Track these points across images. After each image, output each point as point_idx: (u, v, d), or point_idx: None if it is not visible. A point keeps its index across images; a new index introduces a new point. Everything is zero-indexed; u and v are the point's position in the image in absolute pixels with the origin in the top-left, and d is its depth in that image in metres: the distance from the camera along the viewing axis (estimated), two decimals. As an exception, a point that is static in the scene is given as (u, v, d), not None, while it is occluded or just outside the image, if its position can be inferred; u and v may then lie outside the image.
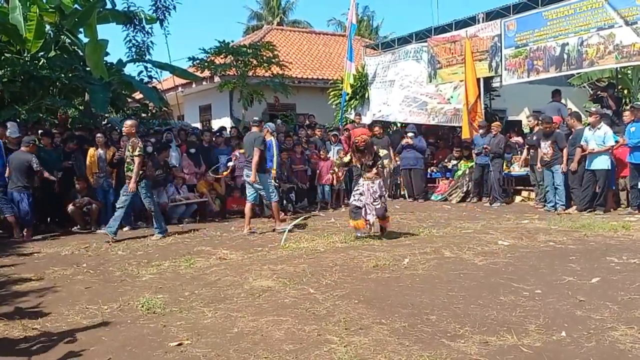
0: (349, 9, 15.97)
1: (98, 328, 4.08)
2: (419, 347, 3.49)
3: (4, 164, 8.78)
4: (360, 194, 7.46)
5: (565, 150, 9.73)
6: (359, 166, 7.71)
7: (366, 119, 14.76)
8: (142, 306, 4.62)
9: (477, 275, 5.33)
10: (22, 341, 3.85)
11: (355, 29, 16.92)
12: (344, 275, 5.53)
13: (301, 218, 9.44)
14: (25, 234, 8.79)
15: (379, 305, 4.42)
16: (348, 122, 14.55)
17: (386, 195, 7.93)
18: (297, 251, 6.91)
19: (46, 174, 8.97)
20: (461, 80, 12.59)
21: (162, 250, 7.45)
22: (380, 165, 7.65)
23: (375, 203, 7.36)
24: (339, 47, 22.65)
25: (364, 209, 7.40)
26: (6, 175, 8.72)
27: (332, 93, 16.91)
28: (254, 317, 4.22)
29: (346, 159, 7.98)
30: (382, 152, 6.86)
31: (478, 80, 12.36)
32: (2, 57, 11.77)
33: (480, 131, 11.64)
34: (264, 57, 15.57)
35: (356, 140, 7.51)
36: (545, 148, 9.96)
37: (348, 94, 15.58)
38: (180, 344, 3.68)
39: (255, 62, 15.60)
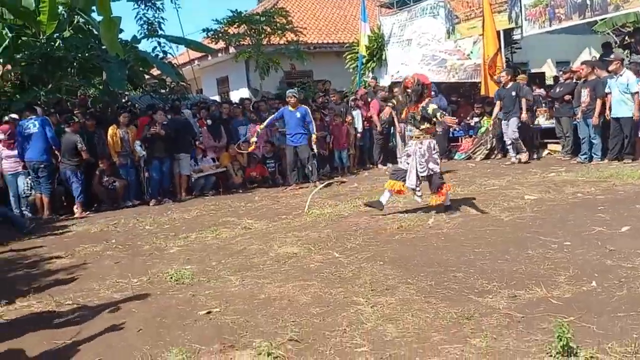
0: (360, -32, 15.59)
1: (129, 301, 4.16)
2: (446, 304, 3.47)
3: (47, 143, 9.05)
4: (408, 155, 6.39)
5: (598, 101, 9.35)
6: (408, 121, 6.52)
7: (384, 81, 14.52)
8: (171, 278, 4.69)
9: (503, 231, 5.26)
10: (56, 316, 3.96)
11: (369, -12, 16.54)
12: (368, 238, 5.52)
13: (323, 185, 9.43)
14: (77, 210, 9.08)
15: (404, 266, 4.41)
16: (365, 85, 14.36)
17: (438, 160, 6.43)
18: (320, 217, 6.92)
19: (87, 155, 9.21)
20: (480, 35, 12.25)
21: (188, 223, 7.54)
22: (433, 121, 6.23)
23: (420, 168, 6.24)
24: (353, 9, 22.19)
25: (408, 172, 6.33)
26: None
27: (348, 57, 16.66)
28: (280, 283, 4.25)
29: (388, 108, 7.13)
30: (431, 108, 6.10)
31: (498, 33, 12.00)
32: (19, 41, 11.82)
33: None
34: (278, 24, 15.36)
35: (405, 81, 6.44)
36: (584, 96, 9.59)
37: (365, 56, 15.32)
38: (209, 312, 3.73)
39: (269, 29, 15.39)
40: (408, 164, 6.32)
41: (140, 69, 13.97)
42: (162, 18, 14.51)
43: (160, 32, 14.48)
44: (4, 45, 11.25)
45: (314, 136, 9.93)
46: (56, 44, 11.68)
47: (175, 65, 15.29)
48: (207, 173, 10.59)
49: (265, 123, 10.00)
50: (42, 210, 9.08)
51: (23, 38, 11.88)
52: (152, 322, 3.64)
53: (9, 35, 11.49)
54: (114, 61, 12.07)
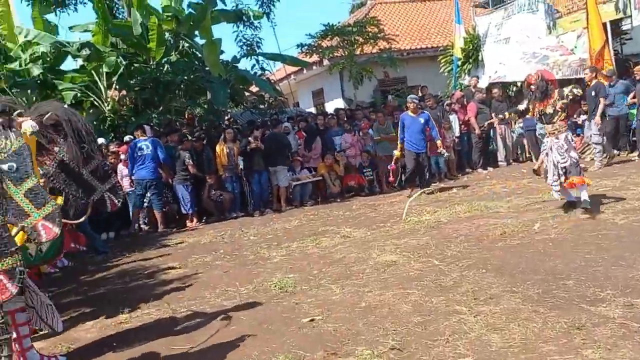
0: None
1: (237, 309, 4.39)
2: (556, 313, 3.33)
3: (158, 162, 9.77)
4: (546, 154, 6.13)
5: None
6: (539, 118, 6.39)
7: (482, 82, 14.10)
8: (275, 286, 4.88)
9: (617, 235, 4.93)
10: (173, 324, 4.26)
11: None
12: (469, 245, 5.40)
13: (422, 191, 9.32)
14: (191, 223, 9.77)
15: (508, 273, 4.27)
16: (461, 88, 14.02)
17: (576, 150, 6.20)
18: (419, 224, 6.86)
19: (194, 169, 9.89)
20: (584, 28, 11.54)
21: (289, 233, 7.78)
22: (562, 104, 6.05)
23: (562, 159, 5.93)
24: (445, 13, 21.75)
25: (551, 170, 6.04)
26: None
27: (443, 60, 16.36)
28: (380, 291, 4.29)
29: (521, 107, 6.77)
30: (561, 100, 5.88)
31: (604, 24, 11.24)
32: (132, 68, 12.90)
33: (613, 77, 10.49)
34: (370, 34, 15.45)
35: (528, 78, 6.34)
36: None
37: (460, 58, 14.97)
38: (312, 320, 3.85)
39: (361, 39, 15.53)
40: (550, 163, 6.04)
41: (241, 86, 14.70)
42: (259, 38, 15.13)
43: (258, 50, 15.11)
44: (119, 72, 12.33)
45: (439, 142, 9.83)
46: (164, 69, 12.59)
47: (272, 81, 15.90)
48: (304, 181, 10.88)
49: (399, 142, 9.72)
50: (157, 224, 9.78)
51: (135, 65, 12.95)
52: (259, 329, 3.82)
53: (123, 63, 12.58)
54: (216, 81, 12.81)
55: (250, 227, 8.68)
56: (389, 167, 10.24)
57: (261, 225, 8.71)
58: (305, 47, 15.66)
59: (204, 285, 5.36)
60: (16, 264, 2.68)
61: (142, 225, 9.90)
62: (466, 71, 15.04)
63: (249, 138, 10.28)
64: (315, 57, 16.46)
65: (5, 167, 2.77)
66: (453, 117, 11.94)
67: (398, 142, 9.73)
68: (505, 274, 4.25)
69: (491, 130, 11.82)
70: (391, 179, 10.40)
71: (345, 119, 12.41)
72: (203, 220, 10.08)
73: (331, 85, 19.58)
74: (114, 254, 7.87)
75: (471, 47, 14.92)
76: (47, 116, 3.11)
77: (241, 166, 10.25)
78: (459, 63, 15.04)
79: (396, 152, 9.83)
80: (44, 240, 2.90)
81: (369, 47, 15.91)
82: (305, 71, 19.05)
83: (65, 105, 3.84)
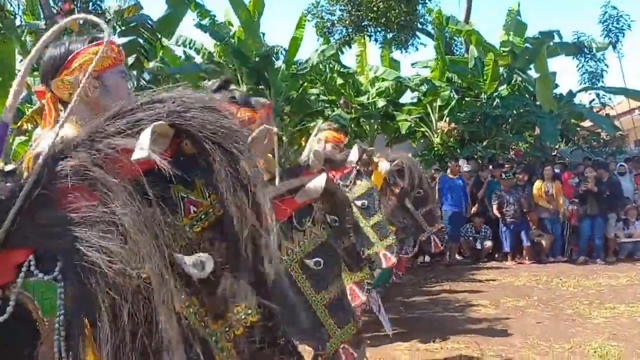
0: None
1: (549, 366, 4.22)
2: None
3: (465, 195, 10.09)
4: None
5: None
6: None
7: None
8: (595, 352, 4.50)
9: None
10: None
11: None
12: None
13: None
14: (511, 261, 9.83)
15: None
16: None
17: None
18: None
19: (495, 209, 9.91)
20: None
21: (616, 292, 6.99)
22: None
23: None
24: None
25: None
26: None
27: None
28: None
29: None
30: None
31: None
32: (463, 101, 13.47)
33: None
34: None
35: None
36: None
37: None
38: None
39: None
40: None
41: (572, 121, 13.84)
42: (603, 69, 14.00)
43: (599, 84, 14.00)
44: (450, 105, 13.04)
45: None
46: (494, 103, 12.76)
47: (612, 115, 14.48)
48: (637, 239, 9.57)
49: None
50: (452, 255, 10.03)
51: (467, 99, 13.50)
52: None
53: (455, 97, 13.26)
54: (547, 116, 12.38)
55: (570, 276, 8.10)
56: None
57: (582, 277, 8.03)
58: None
59: (514, 331, 5.28)
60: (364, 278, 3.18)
61: (457, 256, 10.25)
62: None
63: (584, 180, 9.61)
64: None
65: (359, 203, 3.34)
66: None
67: None
68: None
69: None
70: None
71: None
72: (516, 260, 9.82)
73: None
74: (428, 280, 8.37)
75: None
76: (395, 162, 3.65)
77: (567, 207, 9.67)
78: None
79: None
80: (383, 267, 3.39)
81: None
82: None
83: (409, 155, 4.38)
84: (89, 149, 0.98)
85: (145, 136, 0.95)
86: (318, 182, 1.60)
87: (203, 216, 1.03)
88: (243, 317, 1.00)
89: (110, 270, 0.90)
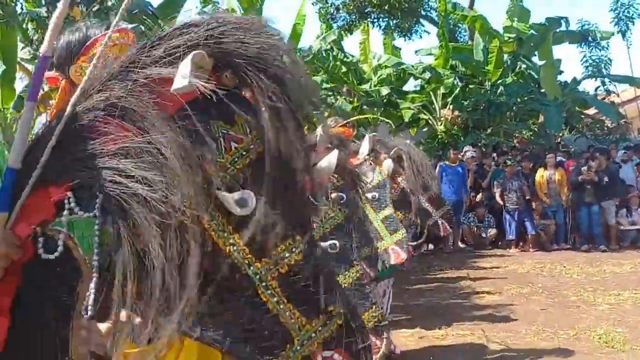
0: None
1: (554, 353, 4.23)
2: None
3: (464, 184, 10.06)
4: None
5: None
6: None
7: None
8: (600, 338, 4.53)
9: None
10: (485, 352, 4.37)
11: None
12: None
13: None
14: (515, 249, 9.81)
15: None
16: None
17: None
18: None
19: (499, 197, 9.89)
20: None
21: (620, 278, 7.00)
22: None
23: None
24: None
25: None
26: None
27: None
28: None
29: None
30: None
31: None
32: (467, 89, 13.38)
33: None
34: None
35: None
36: None
37: None
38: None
39: None
40: None
41: (577, 109, 13.76)
42: (609, 58, 13.91)
43: (605, 72, 13.91)
44: (454, 93, 12.96)
45: None
46: (499, 90, 12.67)
47: (617, 103, 14.41)
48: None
49: None
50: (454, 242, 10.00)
51: (470, 86, 13.41)
52: (577, 383, 3.63)
53: (459, 84, 13.17)
54: (551, 104, 12.30)
55: (574, 263, 8.11)
56: None
57: (586, 264, 8.05)
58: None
59: (519, 318, 5.30)
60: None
61: (460, 244, 10.25)
62: None
63: (583, 168, 9.55)
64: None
65: (369, 195, 3.32)
66: None
67: None
68: None
69: None
70: None
71: None
72: (520, 247, 9.83)
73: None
74: (432, 267, 8.39)
75: None
76: (393, 151, 3.61)
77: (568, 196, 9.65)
78: None
79: None
80: (392, 262, 3.36)
81: None
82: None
83: (408, 142, 4.34)
84: (124, 80, 0.95)
85: (186, 64, 0.91)
86: (331, 159, 1.56)
87: (244, 152, 1.00)
88: (287, 255, 1.00)
89: (152, 199, 0.88)
